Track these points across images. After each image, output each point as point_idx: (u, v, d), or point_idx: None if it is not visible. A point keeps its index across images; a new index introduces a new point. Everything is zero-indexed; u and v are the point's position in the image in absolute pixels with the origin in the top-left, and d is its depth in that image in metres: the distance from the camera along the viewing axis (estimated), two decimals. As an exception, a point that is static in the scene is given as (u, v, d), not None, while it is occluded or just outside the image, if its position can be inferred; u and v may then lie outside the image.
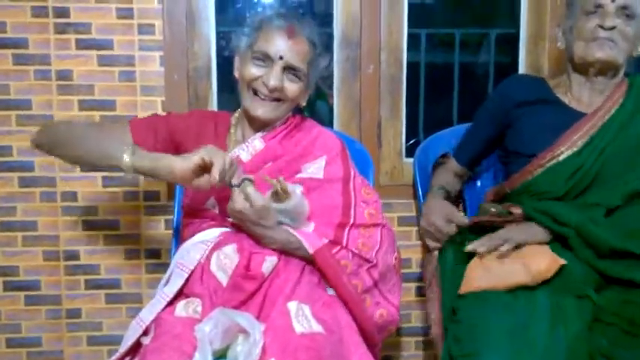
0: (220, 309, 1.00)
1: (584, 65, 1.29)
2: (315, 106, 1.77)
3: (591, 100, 1.31)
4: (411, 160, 1.62)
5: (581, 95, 1.33)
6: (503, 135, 1.39)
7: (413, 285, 1.70)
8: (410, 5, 1.62)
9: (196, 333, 0.95)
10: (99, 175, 1.59)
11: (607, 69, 1.29)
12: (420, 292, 1.70)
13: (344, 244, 1.15)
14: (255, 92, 1.20)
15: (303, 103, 1.29)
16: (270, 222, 1.09)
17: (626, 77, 1.33)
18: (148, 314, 1.08)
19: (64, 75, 1.55)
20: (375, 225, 1.21)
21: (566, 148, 1.26)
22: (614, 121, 1.26)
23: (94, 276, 1.62)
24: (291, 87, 1.19)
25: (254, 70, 1.18)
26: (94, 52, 1.55)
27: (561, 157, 1.26)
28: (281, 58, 1.16)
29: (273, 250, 1.11)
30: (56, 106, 1.56)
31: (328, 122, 1.69)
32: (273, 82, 1.16)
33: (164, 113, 1.38)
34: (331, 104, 1.68)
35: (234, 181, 1.06)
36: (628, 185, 1.22)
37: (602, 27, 1.24)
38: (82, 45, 1.54)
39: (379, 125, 1.66)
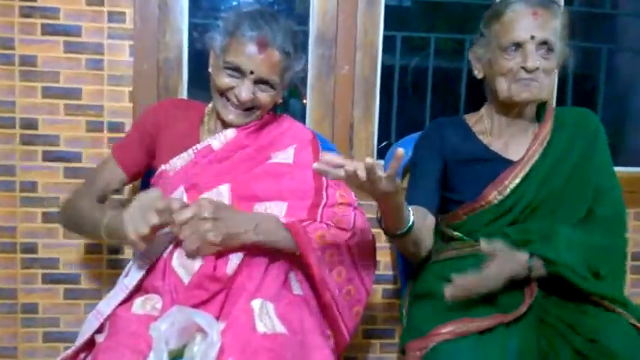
0: (178, 307, 0.97)
1: (510, 104, 1.27)
2: (288, 104, 1.75)
3: (516, 142, 1.29)
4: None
5: (506, 140, 1.30)
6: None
7: (380, 287, 1.69)
8: (387, 7, 1.62)
9: (151, 331, 0.91)
10: (60, 165, 1.54)
11: (530, 104, 1.28)
12: (387, 295, 1.70)
13: (317, 218, 1.14)
14: (228, 100, 1.19)
15: (280, 101, 1.28)
16: (227, 212, 1.06)
17: (552, 109, 1.32)
18: (106, 307, 1.05)
19: (27, 60, 1.49)
20: (348, 204, 1.20)
21: (492, 197, 1.25)
22: (537, 170, 1.25)
23: (52, 270, 1.57)
24: (264, 97, 1.18)
25: (226, 80, 1.16)
26: (60, 38, 1.50)
27: (487, 206, 1.25)
28: (252, 72, 1.15)
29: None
30: (19, 93, 1.50)
31: (301, 121, 1.67)
32: (244, 95, 1.15)
33: (137, 119, 1.37)
34: (305, 103, 1.66)
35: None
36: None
37: (524, 69, 1.21)
38: (48, 30, 1.49)
39: (352, 126, 1.65)
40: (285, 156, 1.21)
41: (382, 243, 1.67)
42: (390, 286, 1.69)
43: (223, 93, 1.18)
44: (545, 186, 1.25)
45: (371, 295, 1.66)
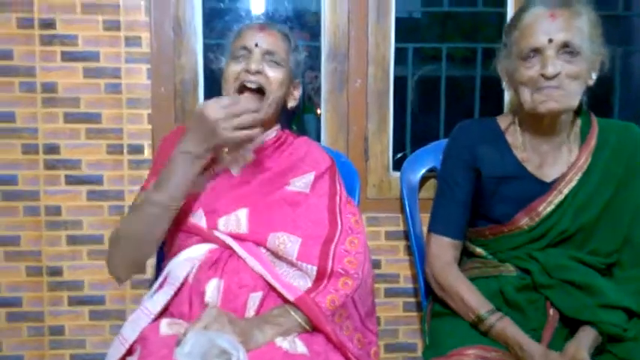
0: (199, 330, 0.97)
1: (536, 115, 1.18)
2: (303, 120, 1.77)
3: (550, 161, 1.23)
4: (398, 174, 1.61)
5: (540, 157, 1.24)
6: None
7: (400, 300, 1.69)
8: (397, 19, 1.63)
9: (176, 356, 0.92)
10: (83, 188, 1.57)
11: (562, 115, 1.19)
12: (407, 308, 1.69)
13: (329, 262, 1.13)
14: (241, 90, 1.20)
15: (291, 103, 1.29)
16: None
17: (596, 124, 1.24)
18: (130, 332, 1.06)
19: (49, 87, 1.54)
20: (360, 233, 1.21)
21: (523, 223, 1.21)
22: (575, 197, 1.19)
23: (77, 292, 1.59)
24: (273, 74, 1.20)
25: (235, 67, 1.20)
26: (79, 65, 1.54)
27: (517, 231, 1.22)
28: (257, 45, 1.19)
29: (256, 283, 1.10)
30: (41, 119, 1.54)
31: (316, 136, 1.69)
32: (254, 65, 1.18)
33: (151, 160, 1.44)
34: (319, 114, 1.67)
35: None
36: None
37: (544, 76, 1.12)
38: (67, 57, 1.53)
39: (366, 139, 1.65)
40: (303, 184, 1.22)
41: (401, 256, 1.67)
42: (410, 299, 1.69)
43: (236, 80, 1.19)
44: (583, 215, 1.19)
45: (392, 309, 1.67)
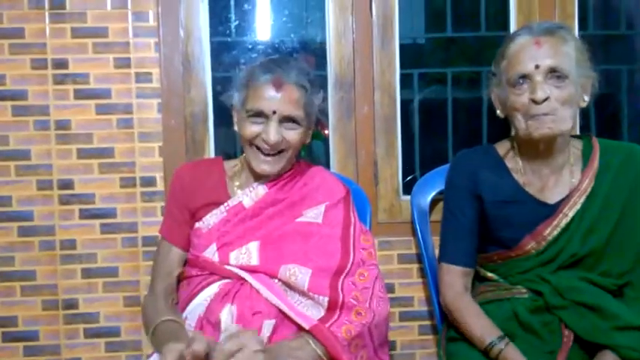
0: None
1: (532, 141, 1.20)
2: (311, 146, 1.78)
3: (552, 183, 1.24)
4: (408, 197, 1.62)
5: (541, 180, 1.24)
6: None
7: (415, 324, 1.68)
8: (402, 46, 1.65)
9: None
10: (97, 221, 1.59)
11: (557, 139, 1.20)
12: (422, 331, 1.68)
13: (340, 294, 1.13)
14: (258, 148, 1.19)
15: (308, 141, 1.28)
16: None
17: (598, 146, 1.23)
18: None
19: (62, 124, 1.57)
20: (372, 265, 1.21)
21: (530, 248, 1.22)
22: (582, 219, 1.19)
23: (93, 324, 1.61)
24: (292, 135, 1.19)
25: (253, 128, 1.17)
26: (92, 102, 1.57)
27: (524, 255, 1.23)
28: (274, 112, 1.16)
29: (269, 310, 1.11)
30: (55, 156, 1.57)
31: (325, 162, 1.70)
32: (273, 138, 1.16)
33: (163, 192, 1.48)
34: (326, 136, 1.68)
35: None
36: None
37: (534, 101, 1.14)
38: (80, 95, 1.57)
39: (375, 164, 1.67)
40: (315, 214, 1.22)
41: (414, 279, 1.67)
42: (425, 322, 1.68)
43: (252, 142, 1.19)
44: (591, 238, 1.19)
45: (408, 333, 1.66)
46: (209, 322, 1.11)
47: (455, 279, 1.28)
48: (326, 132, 1.70)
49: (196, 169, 1.30)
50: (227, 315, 1.09)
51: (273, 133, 1.15)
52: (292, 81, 1.16)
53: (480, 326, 1.20)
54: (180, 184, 1.27)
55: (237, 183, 1.27)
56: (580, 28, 1.66)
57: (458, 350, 1.25)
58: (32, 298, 1.59)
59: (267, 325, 1.10)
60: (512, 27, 1.67)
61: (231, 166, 1.31)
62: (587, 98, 1.20)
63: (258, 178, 1.25)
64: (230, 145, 1.70)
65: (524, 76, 1.16)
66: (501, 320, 1.21)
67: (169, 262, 1.25)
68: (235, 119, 1.25)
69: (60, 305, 1.60)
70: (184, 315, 1.17)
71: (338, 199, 1.26)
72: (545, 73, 1.14)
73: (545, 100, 1.14)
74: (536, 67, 1.14)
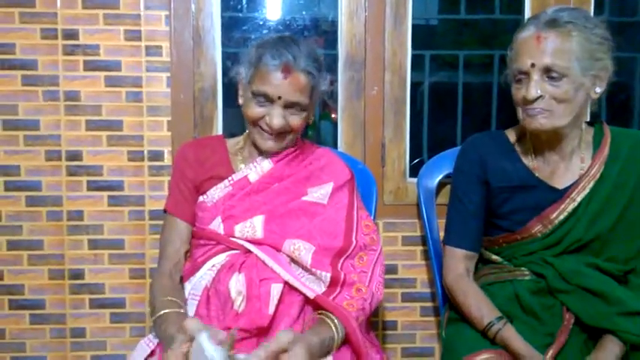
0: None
1: (533, 131, 1.20)
2: (319, 127, 1.78)
3: (562, 168, 1.24)
4: (415, 179, 1.62)
5: (551, 165, 1.25)
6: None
7: (417, 305, 1.69)
8: (414, 27, 1.64)
9: None
10: (104, 193, 1.60)
11: (556, 131, 1.19)
12: (424, 313, 1.69)
13: (340, 274, 1.15)
14: (262, 128, 1.20)
15: (311, 121, 1.29)
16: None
17: (609, 133, 1.23)
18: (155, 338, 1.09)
19: (71, 96, 1.57)
20: (372, 250, 1.22)
21: (536, 231, 1.22)
22: (588, 206, 1.19)
23: (98, 295, 1.63)
24: (295, 120, 1.19)
25: (257, 110, 1.18)
26: (101, 74, 1.57)
27: (529, 238, 1.23)
28: (280, 97, 1.16)
29: (276, 276, 1.12)
30: (64, 127, 1.58)
31: (332, 142, 1.70)
32: (276, 122, 1.16)
33: (170, 167, 1.46)
34: (335, 120, 1.68)
35: None
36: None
37: (525, 98, 1.15)
38: (90, 66, 1.57)
39: (383, 146, 1.66)
40: (320, 195, 1.23)
41: (418, 261, 1.68)
42: (427, 304, 1.69)
43: (256, 122, 1.20)
44: (598, 223, 1.19)
45: (410, 313, 1.68)
46: (216, 292, 1.12)
47: (458, 262, 1.29)
48: (334, 116, 1.69)
49: (200, 145, 1.31)
50: (236, 283, 1.10)
51: (277, 117, 1.16)
52: (300, 68, 1.16)
53: (480, 307, 1.21)
54: (184, 159, 1.28)
55: (240, 158, 1.28)
56: (595, 13, 1.64)
57: (456, 332, 1.26)
58: (39, 267, 1.61)
59: (276, 288, 1.10)
60: (527, 11, 1.64)
61: (233, 143, 1.32)
62: (598, 90, 1.17)
63: (262, 152, 1.25)
64: (238, 124, 1.70)
65: (522, 73, 1.16)
66: (502, 301, 1.22)
67: (176, 237, 1.24)
68: (240, 93, 1.24)
69: (66, 275, 1.62)
70: (189, 286, 1.18)
71: (344, 181, 1.26)
72: (542, 72, 1.13)
73: (539, 98, 1.14)
74: (532, 65, 1.13)
